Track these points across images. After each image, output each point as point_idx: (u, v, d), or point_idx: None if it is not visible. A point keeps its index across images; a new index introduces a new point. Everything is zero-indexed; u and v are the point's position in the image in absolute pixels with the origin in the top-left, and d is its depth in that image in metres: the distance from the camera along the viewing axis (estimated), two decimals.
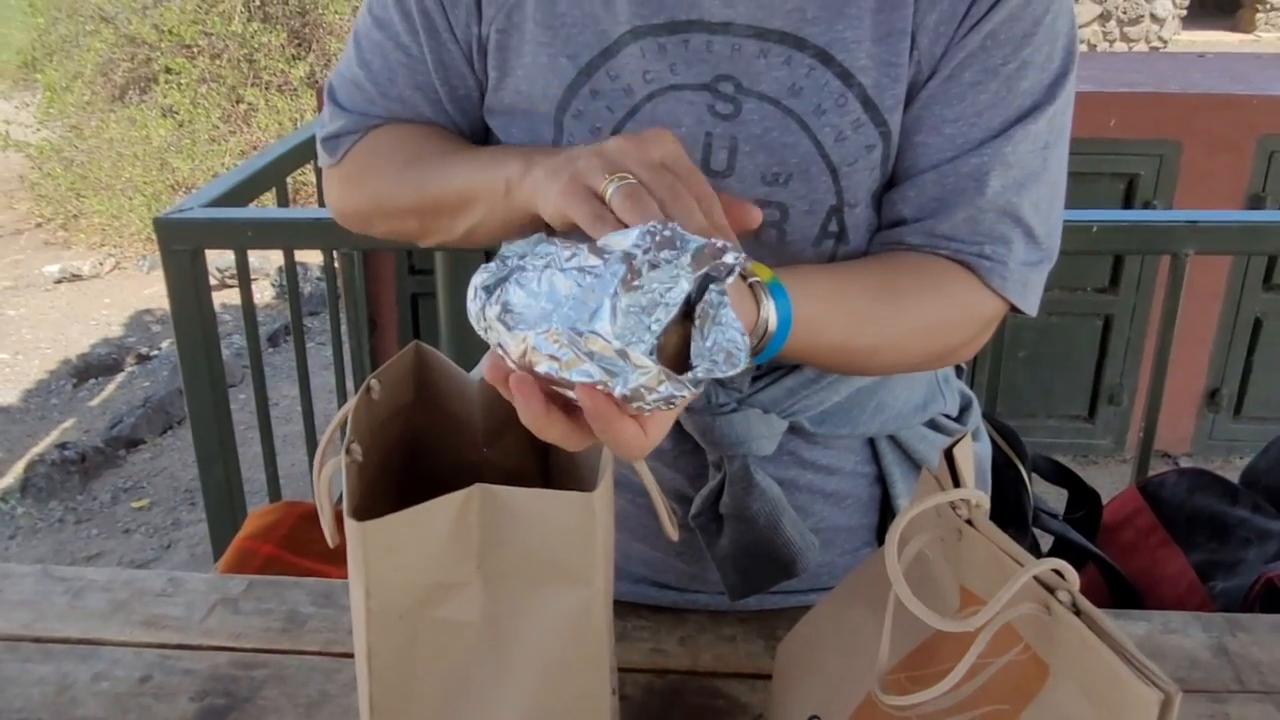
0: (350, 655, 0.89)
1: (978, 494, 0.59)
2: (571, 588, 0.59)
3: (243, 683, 0.85)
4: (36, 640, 0.90)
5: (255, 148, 5.77)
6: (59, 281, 5.10)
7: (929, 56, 0.74)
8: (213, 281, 1.82)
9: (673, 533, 0.66)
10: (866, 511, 0.91)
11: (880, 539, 0.93)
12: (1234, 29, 10.61)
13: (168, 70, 6.16)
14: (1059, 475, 1.29)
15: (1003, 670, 0.55)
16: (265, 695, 0.84)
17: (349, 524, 0.56)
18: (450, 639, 0.59)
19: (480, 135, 0.85)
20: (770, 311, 0.62)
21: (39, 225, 5.86)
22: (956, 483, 0.62)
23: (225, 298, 3.93)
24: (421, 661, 0.59)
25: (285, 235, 1.80)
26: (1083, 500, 1.31)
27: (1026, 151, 0.75)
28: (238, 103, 6.10)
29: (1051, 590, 0.53)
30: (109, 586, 0.97)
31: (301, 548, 1.29)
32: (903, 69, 0.74)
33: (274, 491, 2.00)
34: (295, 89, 6.08)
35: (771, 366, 0.84)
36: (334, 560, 1.14)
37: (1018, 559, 0.55)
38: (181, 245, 1.69)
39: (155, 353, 4.25)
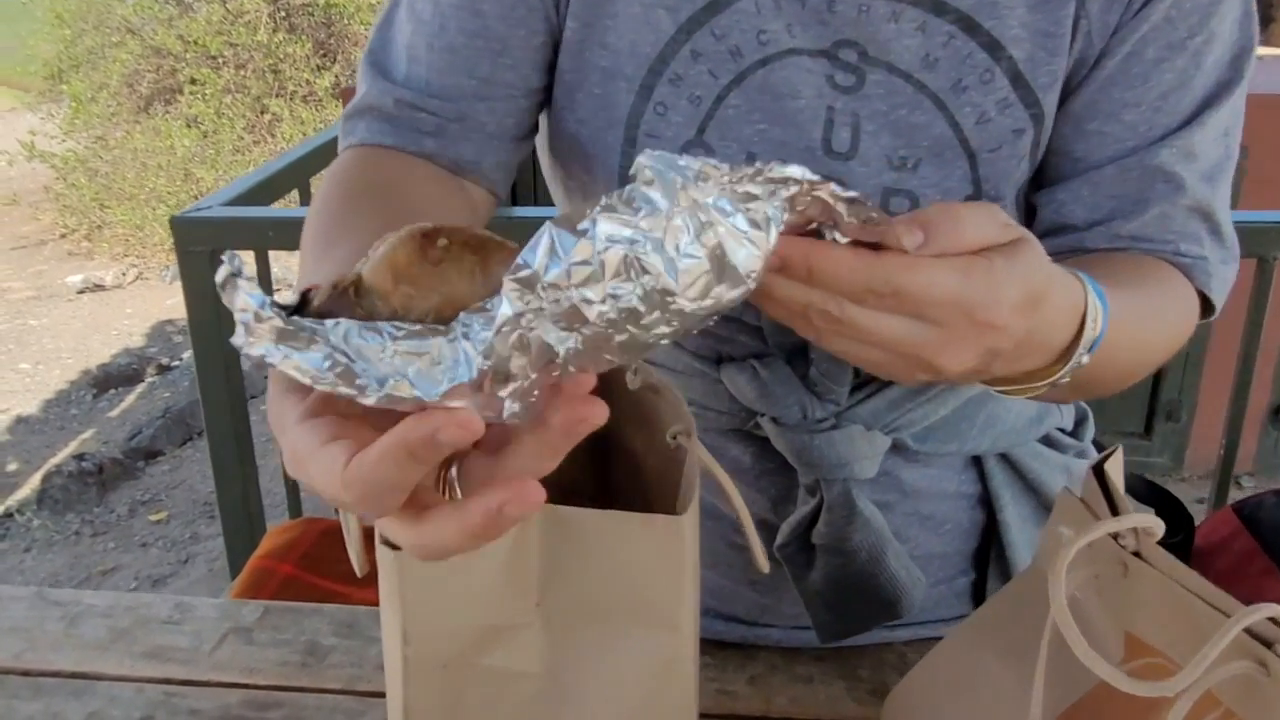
0: (378, 694, 0.79)
1: (1149, 519, 0.48)
2: (654, 632, 0.48)
3: None
4: (25, 673, 0.80)
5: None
6: (81, 291, 5.05)
7: (1101, 27, 0.64)
8: None
9: (764, 564, 0.56)
10: (967, 537, 0.80)
11: (979, 568, 0.82)
12: (1266, 43, 10.46)
13: (193, 81, 6.13)
14: (1151, 495, 1.18)
15: None
16: None
17: (381, 552, 0.46)
18: (504, 693, 0.49)
19: (536, 95, 0.71)
20: (1096, 303, 0.52)
21: (63, 236, 5.84)
22: (1112, 506, 0.51)
23: None
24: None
25: None
26: (1177, 524, 1.20)
27: (1212, 139, 0.65)
28: (262, 113, 6.07)
29: (1269, 644, 0.42)
30: (109, 612, 0.87)
31: (323, 568, 1.20)
32: (1063, 40, 0.63)
33: (294, 506, 1.90)
34: (320, 99, 6.03)
35: (872, 376, 0.74)
36: (359, 582, 1.04)
37: (1215, 603, 0.44)
38: (199, 246, 1.60)
39: (176, 363, 4.18)
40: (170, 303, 4.85)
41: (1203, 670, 0.41)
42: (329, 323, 0.37)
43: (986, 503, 0.79)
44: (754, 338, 0.73)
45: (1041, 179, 0.70)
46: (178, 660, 0.81)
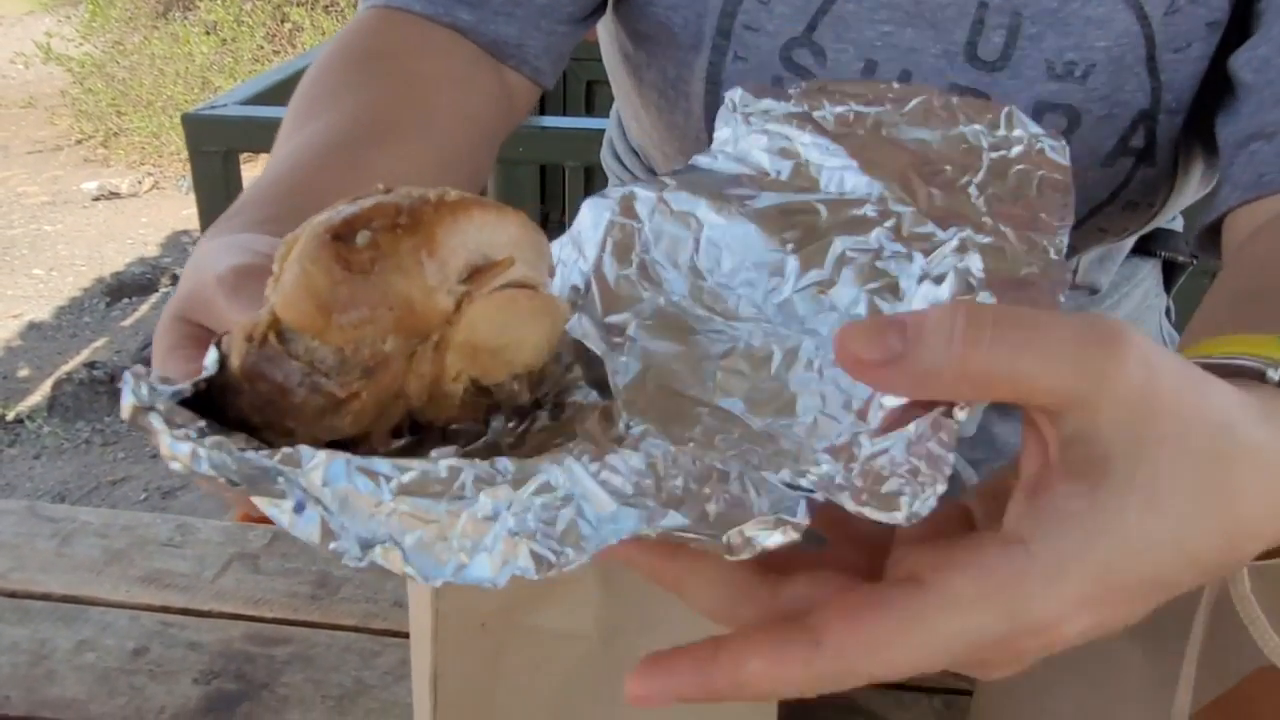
0: (394, 634, 0.72)
1: None
2: None
3: (260, 663, 0.68)
4: (11, 594, 0.74)
5: None
6: (97, 199, 4.98)
7: None
8: None
9: None
10: None
11: None
12: None
13: None
14: None
15: None
16: (287, 681, 0.67)
17: None
18: (551, 657, 0.41)
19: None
20: None
21: (79, 142, 5.74)
22: None
23: None
24: (510, 690, 0.41)
25: None
26: None
27: None
28: (283, 21, 5.93)
29: None
30: (105, 531, 0.80)
31: None
32: None
33: None
34: (342, 8, 5.88)
35: None
36: None
37: None
38: (213, 146, 1.52)
39: None
40: (186, 213, 4.77)
41: None
42: (299, 456, 0.27)
43: None
44: None
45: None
46: (177, 587, 0.75)
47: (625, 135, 0.73)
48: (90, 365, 3.27)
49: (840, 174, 0.38)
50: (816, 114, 0.41)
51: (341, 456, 0.28)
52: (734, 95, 0.43)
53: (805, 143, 0.40)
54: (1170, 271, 0.73)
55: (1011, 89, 0.55)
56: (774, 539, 0.28)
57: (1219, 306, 0.43)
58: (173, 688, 0.66)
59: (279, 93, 1.70)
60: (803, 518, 0.28)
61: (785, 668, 0.27)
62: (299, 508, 0.27)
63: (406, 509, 0.27)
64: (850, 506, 0.28)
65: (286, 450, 0.28)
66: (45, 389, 3.25)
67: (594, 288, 0.36)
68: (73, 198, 5.00)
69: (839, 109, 0.41)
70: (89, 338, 3.65)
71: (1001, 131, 0.40)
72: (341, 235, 0.29)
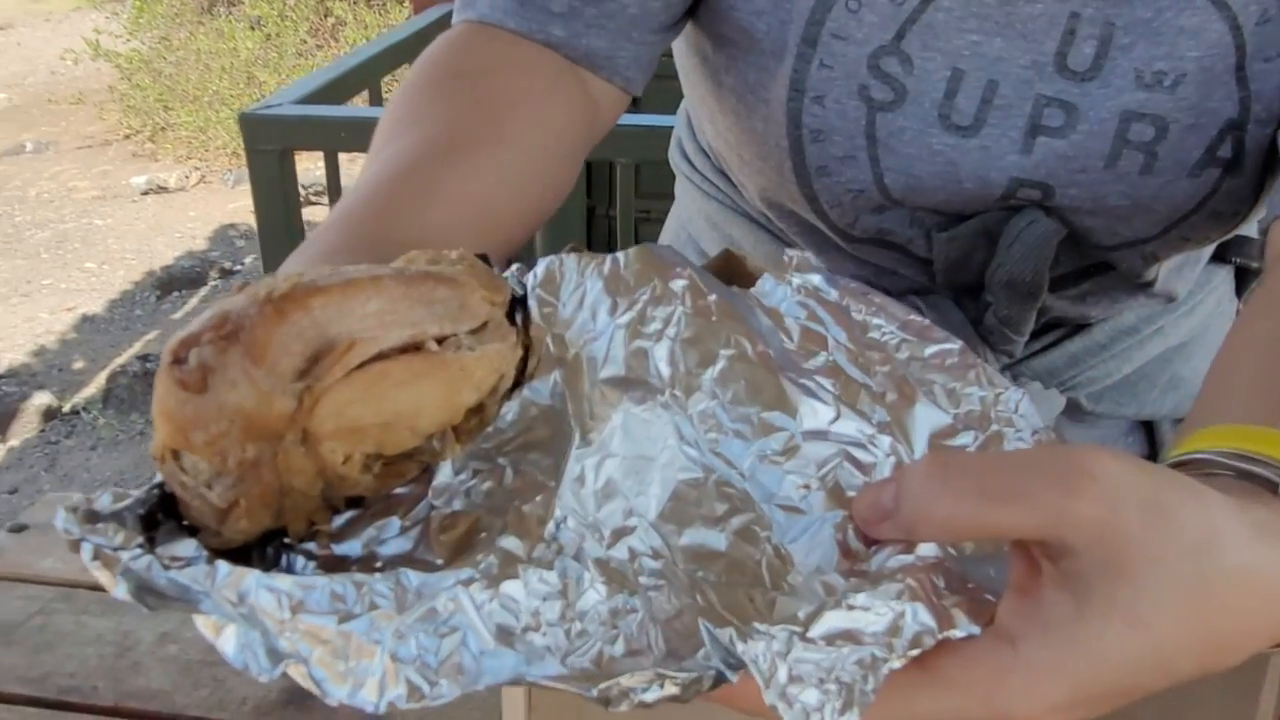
0: None
1: None
2: None
3: None
4: (96, 589, 0.76)
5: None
6: (145, 193, 5.06)
7: None
8: None
9: None
10: None
11: None
12: None
13: None
14: None
15: None
16: None
17: None
18: None
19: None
20: None
21: (127, 136, 5.83)
22: None
23: (309, 215, 3.82)
24: None
25: None
26: None
27: None
28: (326, 15, 5.97)
29: None
30: None
31: None
32: None
33: None
34: (384, 2, 5.92)
35: (1049, 325, 0.65)
36: None
37: None
38: (268, 144, 1.54)
39: (239, 268, 4.17)
40: (232, 207, 4.83)
41: None
42: (215, 573, 0.29)
43: None
44: (920, 271, 0.63)
45: None
46: None
47: (695, 136, 0.74)
48: (143, 358, 3.33)
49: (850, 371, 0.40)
50: (857, 317, 0.42)
51: (251, 574, 0.29)
52: (793, 256, 0.44)
53: (834, 335, 0.41)
54: (1242, 278, 0.72)
55: (1100, 98, 0.54)
56: (653, 694, 0.29)
57: (1243, 349, 0.44)
58: (253, 682, 0.68)
59: (331, 91, 1.73)
60: (690, 678, 0.30)
61: None
62: (220, 623, 0.29)
63: (304, 626, 0.28)
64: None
65: (206, 567, 0.29)
66: (100, 381, 3.31)
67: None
68: (122, 192, 5.08)
69: (875, 319, 0.42)
70: (140, 330, 3.71)
71: (1008, 405, 0.41)
72: (179, 358, 0.30)
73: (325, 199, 3.77)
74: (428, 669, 0.29)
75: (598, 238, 2.25)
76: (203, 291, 3.99)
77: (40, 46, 7.86)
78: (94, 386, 3.31)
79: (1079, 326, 0.65)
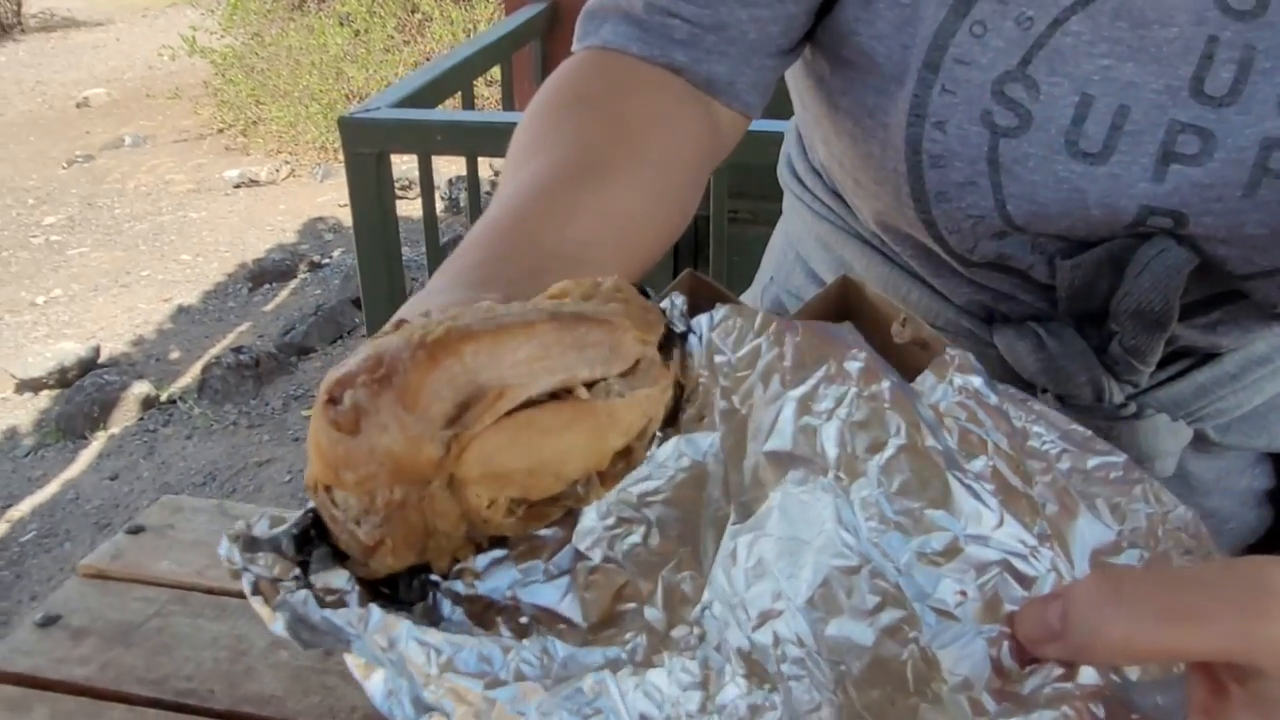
0: None
1: None
2: None
3: None
4: (209, 591, 0.78)
5: (429, 58, 5.71)
6: (238, 186, 5.19)
7: None
8: None
9: None
10: (1251, 535, 0.69)
11: None
12: None
13: None
14: None
15: None
16: None
17: None
18: None
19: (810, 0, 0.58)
20: None
21: (220, 131, 5.99)
22: None
23: (400, 209, 3.89)
24: None
25: (474, 140, 1.65)
26: None
27: None
28: (413, 12, 6.06)
29: None
30: None
31: None
32: None
33: None
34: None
35: (1177, 354, 0.63)
36: None
37: None
38: (366, 148, 1.57)
39: (327, 261, 4.26)
40: (321, 200, 4.94)
41: None
42: (369, 617, 0.30)
43: (1275, 499, 0.68)
44: (1040, 297, 0.62)
45: None
46: None
47: (806, 155, 0.73)
48: (236, 350, 3.42)
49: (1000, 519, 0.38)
50: (1017, 422, 0.41)
51: (403, 623, 0.30)
52: (954, 355, 0.43)
53: (993, 438, 0.39)
54: None
55: (1239, 125, 0.52)
56: None
57: None
58: (360, 690, 0.70)
59: (426, 94, 1.75)
60: None
61: None
62: (370, 665, 0.30)
63: (450, 685, 0.29)
64: None
65: (360, 610, 0.30)
66: (195, 371, 3.41)
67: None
68: (215, 185, 5.23)
69: (1035, 426, 0.41)
70: (234, 322, 3.82)
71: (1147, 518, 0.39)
72: (333, 398, 0.31)
73: (408, 194, 3.83)
74: None
75: (685, 237, 2.25)
76: (292, 284, 4.08)
77: (138, 42, 8.12)
78: (189, 376, 3.41)
79: (1207, 356, 0.63)
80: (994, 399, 0.40)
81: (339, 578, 0.32)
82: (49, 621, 0.75)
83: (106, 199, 5.07)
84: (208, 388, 3.28)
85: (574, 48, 0.60)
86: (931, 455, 0.37)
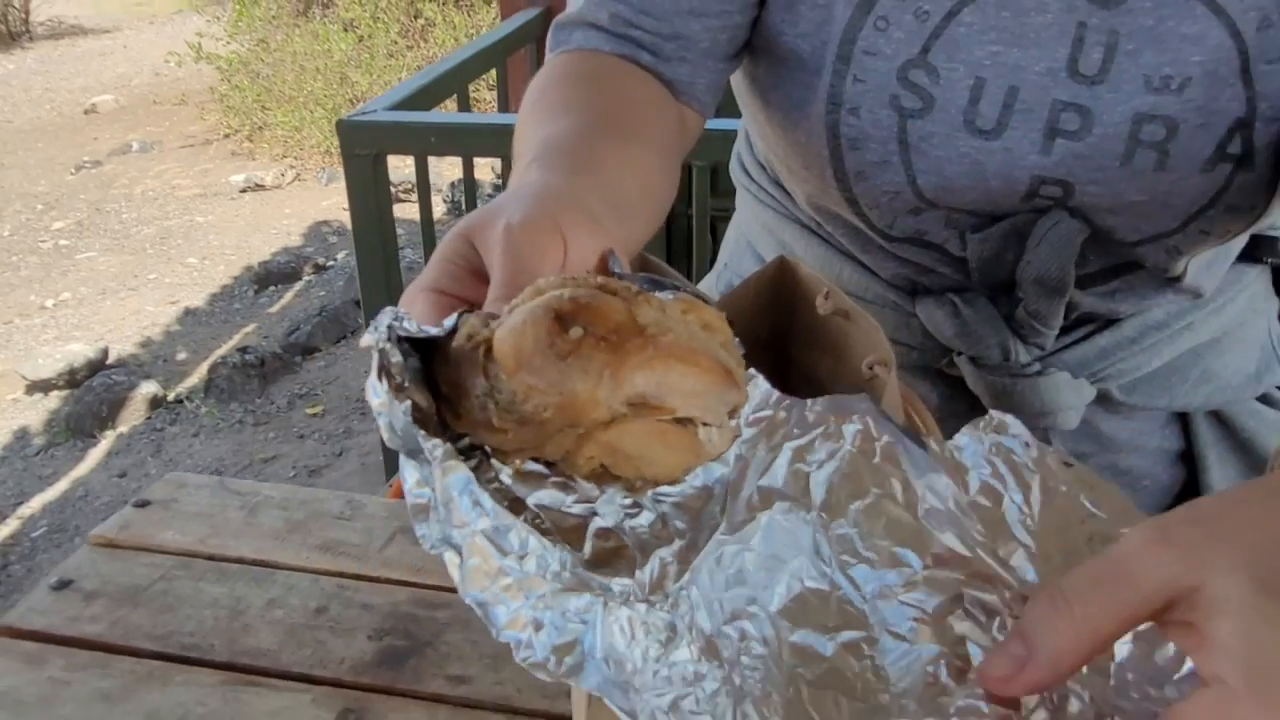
0: None
1: None
2: None
3: (424, 624, 0.77)
4: (210, 558, 0.84)
5: (431, 63, 5.78)
6: (244, 190, 5.25)
7: None
8: None
9: None
10: (1164, 494, 0.75)
11: None
12: None
13: None
14: None
15: None
16: (448, 640, 0.75)
17: None
18: None
19: (750, 10, 0.65)
20: None
21: (226, 136, 6.06)
22: None
23: (399, 212, 3.95)
24: None
25: (469, 141, 1.72)
26: None
27: None
28: (416, 17, 6.13)
29: None
30: (285, 504, 0.90)
31: None
32: None
33: None
34: (472, 3, 6.05)
35: (1081, 319, 0.69)
36: None
37: None
38: (363, 149, 1.63)
39: (331, 263, 4.32)
40: (326, 204, 5.00)
41: None
42: (439, 451, 0.36)
43: (1188, 459, 0.74)
44: (956, 270, 0.68)
45: None
46: (350, 555, 0.84)
47: (752, 150, 0.79)
48: (242, 350, 3.48)
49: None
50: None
51: (465, 474, 0.35)
52: (1009, 422, 0.44)
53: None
54: (1278, 277, 0.75)
55: (1111, 102, 0.59)
56: None
57: None
58: (350, 642, 0.76)
59: (422, 97, 1.81)
60: None
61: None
62: (422, 482, 0.36)
63: (478, 541, 0.35)
64: None
65: (437, 441, 0.36)
66: (202, 371, 3.48)
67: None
68: (222, 190, 5.29)
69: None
70: (239, 323, 3.88)
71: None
72: (562, 317, 0.36)
73: (410, 197, 3.89)
74: (546, 642, 0.35)
75: (677, 233, 2.31)
76: (297, 286, 4.15)
77: (145, 49, 8.20)
78: (196, 376, 3.48)
79: (1109, 321, 0.69)
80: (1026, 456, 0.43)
81: (423, 395, 0.38)
82: (62, 585, 0.81)
83: (114, 204, 5.14)
84: (214, 387, 3.34)
85: (549, 56, 0.67)
86: (909, 506, 0.41)
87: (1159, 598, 0.32)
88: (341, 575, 0.82)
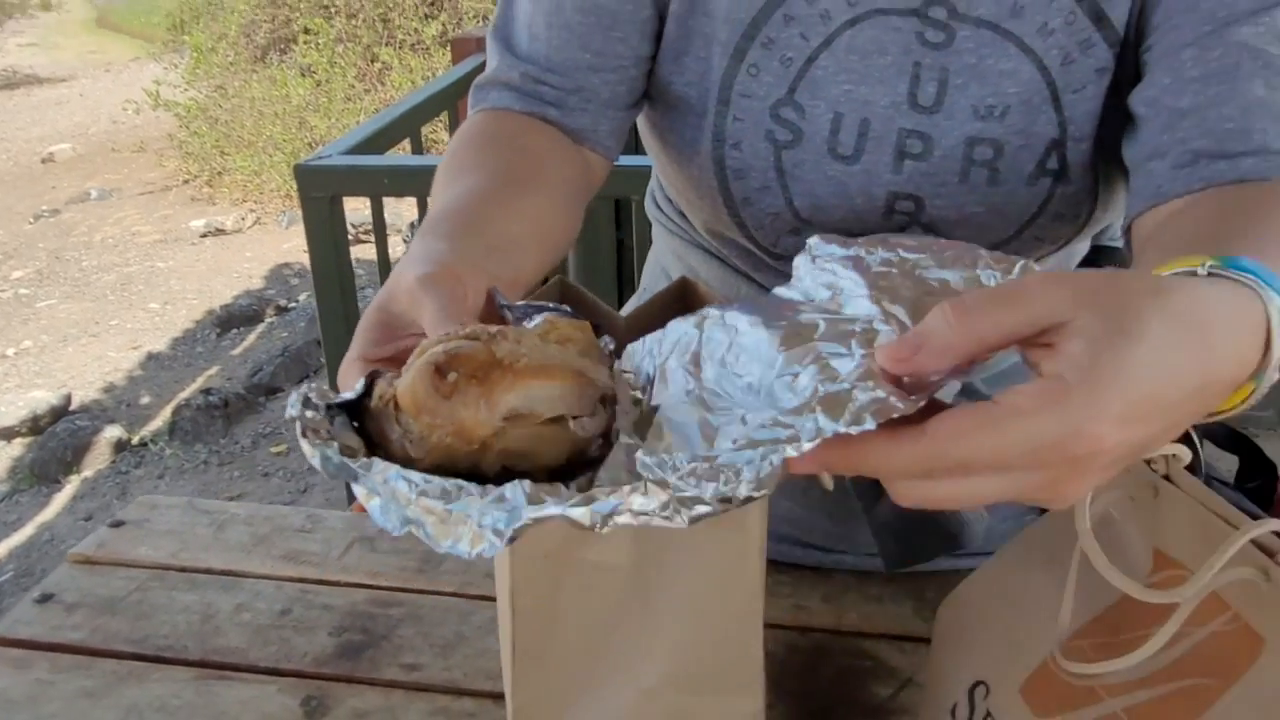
0: (486, 598, 0.88)
1: (1177, 447, 0.53)
2: (726, 533, 0.55)
3: (379, 620, 0.85)
4: (182, 569, 0.92)
5: (389, 105, 5.87)
6: (204, 235, 5.30)
7: None
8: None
9: (829, 484, 0.62)
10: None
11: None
12: None
13: (306, 30, 6.32)
14: (1232, 442, 1.19)
15: (1207, 641, 0.50)
16: (401, 634, 0.83)
17: None
18: (597, 582, 0.56)
19: (644, 64, 0.75)
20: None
21: (185, 182, 6.11)
22: None
23: (359, 252, 4.01)
24: (566, 603, 0.56)
25: (422, 183, 1.80)
26: (1257, 469, 1.21)
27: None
28: (372, 61, 6.22)
29: (1272, 554, 0.47)
30: (250, 521, 0.98)
31: None
32: None
33: None
34: (428, 47, 6.16)
35: None
36: None
37: (1229, 519, 0.49)
38: (320, 192, 1.71)
39: (293, 305, 4.38)
40: (286, 247, 5.06)
41: (1209, 578, 0.46)
42: (371, 465, 0.45)
43: None
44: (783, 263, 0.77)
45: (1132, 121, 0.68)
46: (311, 563, 0.92)
47: (662, 186, 0.89)
48: (206, 392, 3.53)
49: (857, 300, 0.50)
50: (869, 257, 0.54)
51: (395, 468, 0.44)
52: (812, 241, 0.56)
53: (845, 278, 0.52)
54: None
55: (946, 128, 0.70)
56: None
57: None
58: (312, 639, 0.83)
59: (377, 141, 1.90)
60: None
61: (898, 445, 0.40)
62: (370, 493, 0.45)
63: (424, 505, 0.43)
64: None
65: (366, 460, 0.45)
66: (166, 414, 3.52)
67: (656, 379, 0.50)
68: (182, 235, 5.34)
69: (887, 254, 0.54)
70: (202, 366, 3.93)
71: (1013, 275, 0.51)
72: (440, 368, 0.46)
73: (371, 238, 3.97)
74: (499, 536, 0.42)
75: (626, 263, 2.41)
76: (259, 328, 4.20)
77: (102, 97, 8.24)
78: (160, 419, 3.52)
79: None
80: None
81: (353, 439, 0.48)
82: (45, 599, 0.88)
83: (74, 252, 5.17)
84: (178, 429, 3.39)
85: (469, 112, 0.76)
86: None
87: (1040, 323, 0.40)
88: (304, 581, 0.90)
